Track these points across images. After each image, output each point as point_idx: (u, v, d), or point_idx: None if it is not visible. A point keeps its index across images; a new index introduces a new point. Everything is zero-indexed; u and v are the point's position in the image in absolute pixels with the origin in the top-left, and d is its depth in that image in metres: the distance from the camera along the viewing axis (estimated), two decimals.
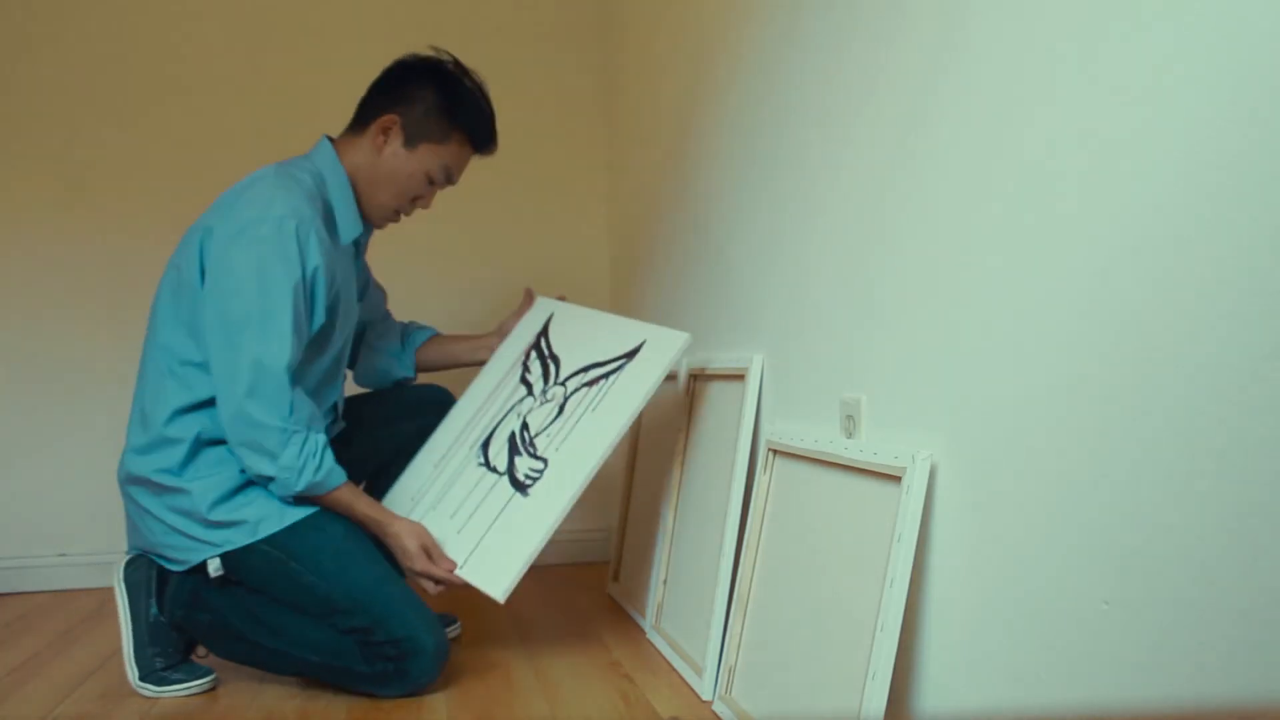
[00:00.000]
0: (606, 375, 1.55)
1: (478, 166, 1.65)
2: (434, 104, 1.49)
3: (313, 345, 1.44)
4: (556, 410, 1.57)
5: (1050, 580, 0.80)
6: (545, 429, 1.56)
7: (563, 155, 2.37)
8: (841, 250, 1.16)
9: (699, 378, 1.64)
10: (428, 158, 1.50)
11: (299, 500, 1.40)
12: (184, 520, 1.39)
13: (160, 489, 1.39)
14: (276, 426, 1.33)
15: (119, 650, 1.43)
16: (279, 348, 1.34)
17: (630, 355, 1.55)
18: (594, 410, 1.52)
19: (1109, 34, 0.72)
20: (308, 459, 1.35)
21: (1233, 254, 0.61)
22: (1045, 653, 0.81)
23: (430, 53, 1.54)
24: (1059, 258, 0.78)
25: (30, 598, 2.05)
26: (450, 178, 1.56)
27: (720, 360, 1.55)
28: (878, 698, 0.94)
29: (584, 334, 1.65)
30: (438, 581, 1.43)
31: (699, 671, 1.37)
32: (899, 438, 1.03)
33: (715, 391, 1.57)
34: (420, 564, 1.41)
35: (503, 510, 1.49)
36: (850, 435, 1.13)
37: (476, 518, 1.51)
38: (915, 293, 1.00)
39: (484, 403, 1.68)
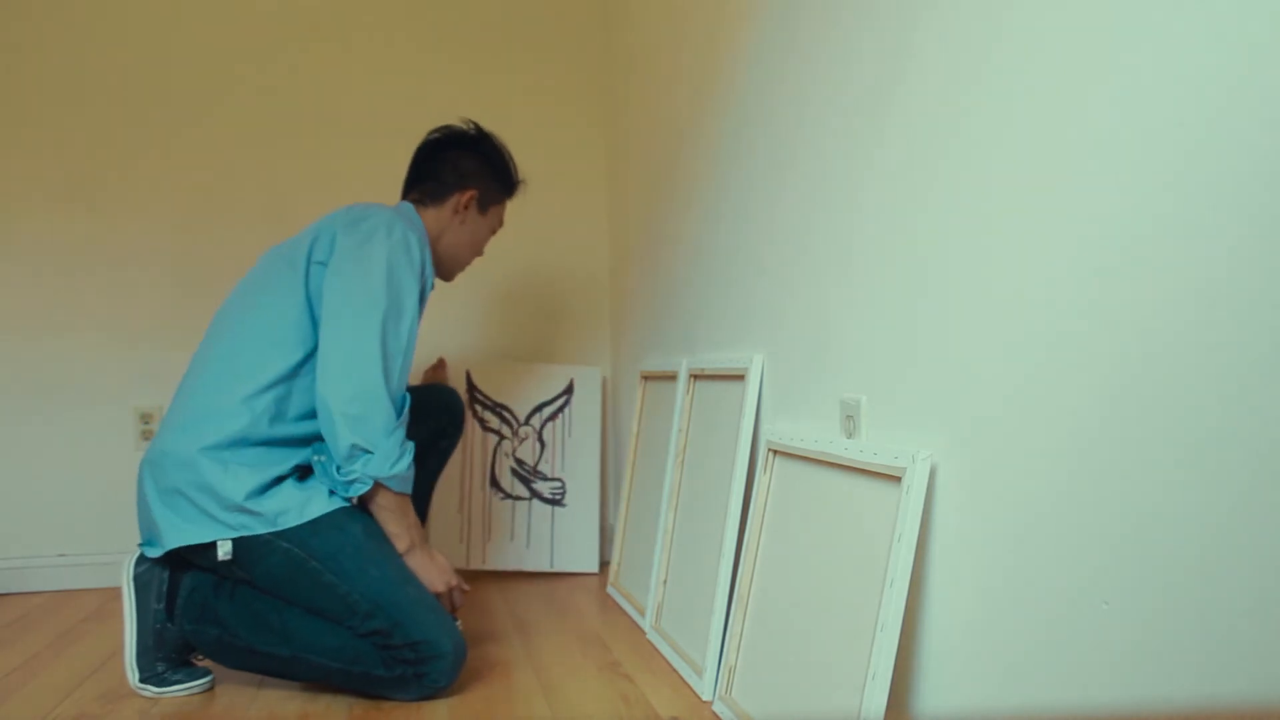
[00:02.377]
0: (560, 410, 2.24)
1: None
2: (490, 174, 1.73)
3: None
4: (538, 444, 2.23)
5: (1050, 580, 0.80)
6: (541, 458, 2.22)
7: (563, 158, 2.38)
8: (841, 250, 1.16)
9: (699, 378, 1.64)
10: (494, 217, 1.77)
11: (362, 497, 1.42)
12: (205, 496, 1.35)
13: (192, 462, 1.35)
14: (394, 411, 1.40)
15: (119, 650, 1.43)
16: (406, 339, 1.45)
17: (569, 391, 2.26)
18: (570, 436, 2.23)
19: (1107, 29, 0.72)
20: (405, 452, 1.41)
21: (1234, 250, 0.61)
22: (1045, 652, 0.81)
23: (463, 126, 1.74)
24: (1059, 257, 0.78)
25: (30, 598, 2.05)
26: (502, 224, 1.82)
27: (720, 360, 1.55)
28: (878, 698, 0.94)
29: (515, 382, 2.24)
30: (454, 597, 1.52)
31: (699, 671, 1.37)
32: (899, 438, 1.03)
33: (715, 391, 1.57)
34: (455, 578, 1.51)
35: (553, 520, 2.18)
36: (850, 435, 1.13)
37: (535, 533, 2.17)
38: (915, 292, 1.00)
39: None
